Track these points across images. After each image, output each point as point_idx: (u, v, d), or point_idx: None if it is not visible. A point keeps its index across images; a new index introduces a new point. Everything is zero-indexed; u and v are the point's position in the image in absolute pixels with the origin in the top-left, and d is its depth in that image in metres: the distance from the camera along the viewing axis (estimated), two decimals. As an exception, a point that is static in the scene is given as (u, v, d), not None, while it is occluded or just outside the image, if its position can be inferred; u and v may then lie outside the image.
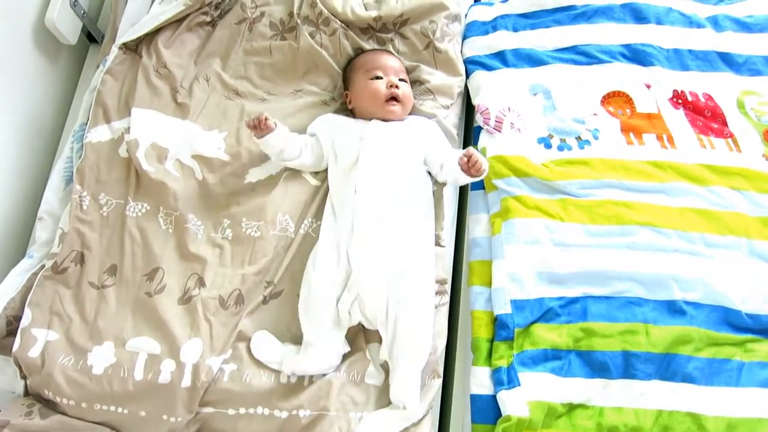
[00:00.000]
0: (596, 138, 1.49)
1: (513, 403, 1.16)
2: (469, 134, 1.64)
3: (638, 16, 1.68)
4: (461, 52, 1.66)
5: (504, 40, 1.66)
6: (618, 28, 1.66)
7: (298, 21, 1.61)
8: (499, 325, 1.27)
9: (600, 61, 1.61)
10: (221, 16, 1.67)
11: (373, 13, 1.60)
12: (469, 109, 1.66)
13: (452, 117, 1.55)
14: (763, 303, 1.28)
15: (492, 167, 1.43)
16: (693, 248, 1.33)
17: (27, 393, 1.24)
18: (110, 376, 1.19)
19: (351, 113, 1.52)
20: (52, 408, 1.21)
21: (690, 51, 1.63)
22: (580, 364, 1.23)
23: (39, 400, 1.23)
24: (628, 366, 1.22)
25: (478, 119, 1.53)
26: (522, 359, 1.23)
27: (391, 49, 1.58)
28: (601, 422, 1.17)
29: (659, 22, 1.67)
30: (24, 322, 1.25)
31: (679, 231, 1.34)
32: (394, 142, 1.39)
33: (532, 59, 1.63)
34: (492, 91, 1.57)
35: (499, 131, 1.50)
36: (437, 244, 1.36)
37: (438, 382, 1.22)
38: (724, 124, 1.52)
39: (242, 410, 1.18)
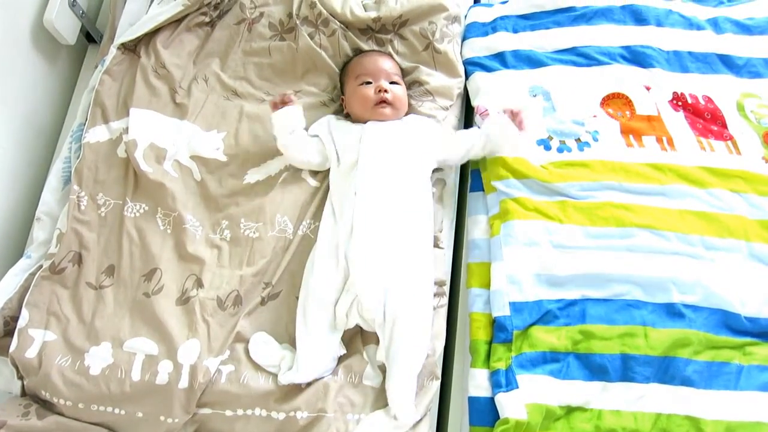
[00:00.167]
0: (596, 140, 1.49)
1: (511, 406, 1.15)
2: (469, 135, 1.64)
3: (638, 17, 1.67)
4: (461, 53, 1.65)
5: (503, 41, 1.66)
6: (618, 30, 1.66)
7: (297, 22, 1.60)
8: (497, 327, 1.26)
9: (600, 63, 1.61)
10: (220, 16, 1.67)
11: (373, 14, 1.60)
12: (468, 111, 1.65)
13: (451, 118, 1.55)
14: (763, 306, 1.28)
15: (491, 169, 1.43)
16: (692, 251, 1.32)
17: (24, 393, 1.24)
18: (107, 376, 1.19)
19: (348, 117, 1.51)
20: (49, 409, 1.21)
21: (690, 53, 1.63)
22: (579, 367, 1.23)
23: (36, 400, 1.23)
24: (626, 369, 1.21)
25: (478, 121, 1.53)
26: (520, 361, 1.22)
27: (390, 50, 1.58)
28: (599, 425, 1.17)
29: (659, 24, 1.67)
30: (21, 322, 1.25)
31: (679, 233, 1.34)
32: (392, 143, 1.38)
33: (531, 61, 1.62)
34: (491, 92, 1.56)
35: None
36: (436, 245, 1.36)
37: (436, 384, 1.22)
38: (724, 126, 1.52)
39: (240, 411, 1.18)
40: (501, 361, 1.22)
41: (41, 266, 1.32)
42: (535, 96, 1.57)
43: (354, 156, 1.35)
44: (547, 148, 1.48)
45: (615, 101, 1.55)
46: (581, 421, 1.18)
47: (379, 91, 1.42)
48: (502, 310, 1.27)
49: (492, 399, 1.19)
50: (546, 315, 1.27)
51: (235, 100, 1.56)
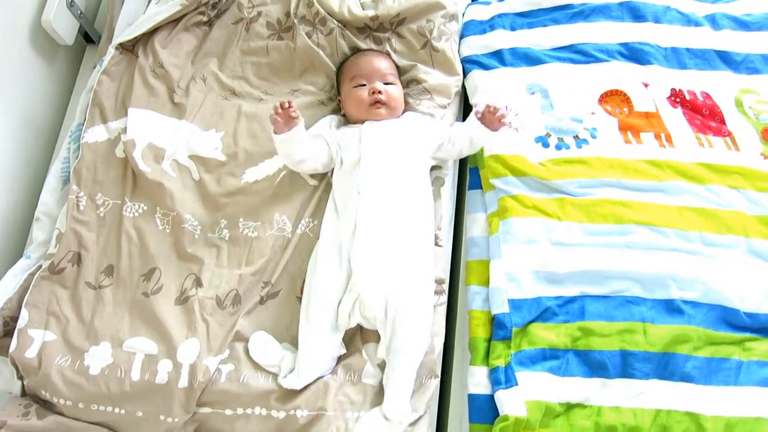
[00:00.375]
0: (594, 137, 1.49)
1: (510, 403, 1.16)
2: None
3: (636, 14, 1.67)
4: (458, 51, 1.65)
5: (501, 39, 1.66)
6: (616, 27, 1.65)
7: (295, 21, 1.60)
8: (496, 324, 1.26)
9: (598, 60, 1.60)
10: (218, 16, 1.67)
11: (370, 13, 1.60)
12: (466, 109, 1.65)
13: (449, 117, 1.55)
14: (762, 302, 1.28)
15: (489, 166, 1.43)
16: (691, 247, 1.32)
17: (24, 393, 1.24)
18: (107, 376, 1.19)
19: (345, 117, 1.51)
20: (49, 408, 1.21)
21: (688, 49, 1.63)
22: (578, 364, 1.23)
23: (36, 400, 1.23)
24: (626, 365, 1.21)
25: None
26: (520, 359, 1.22)
27: (388, 48, 1.58)
28: (599, 422, 1.17)
29: (657, 21, 1.66)
30: (21, 322, 1.25)
31: (678, 230, 1.34)
32: (392, 142, 1.38)
33: (529, 58, 1.62)
34: (489, 90, 1.56)
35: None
36: (435, 243, 1.36)
37: (435, 382, 1.22)
38: (723, 122, 1.52)
39: (239, 410, 1.18)
40: (500, 359, 1.22)
41: (40, 266, 1.32)
42: (533, 93, 1.57)
43: (355, 155, 1.35)
44: (546, 145, 1.48)
45: (613, 98, 1.55)
46: (581, 417, 1.18)
47: (373, 92, 1.42)
48: (501, 308, 1.27)
49: (491, 396, 1.19)
50: (545, 312, 1.27)
51: (233, 100, 1.56)
